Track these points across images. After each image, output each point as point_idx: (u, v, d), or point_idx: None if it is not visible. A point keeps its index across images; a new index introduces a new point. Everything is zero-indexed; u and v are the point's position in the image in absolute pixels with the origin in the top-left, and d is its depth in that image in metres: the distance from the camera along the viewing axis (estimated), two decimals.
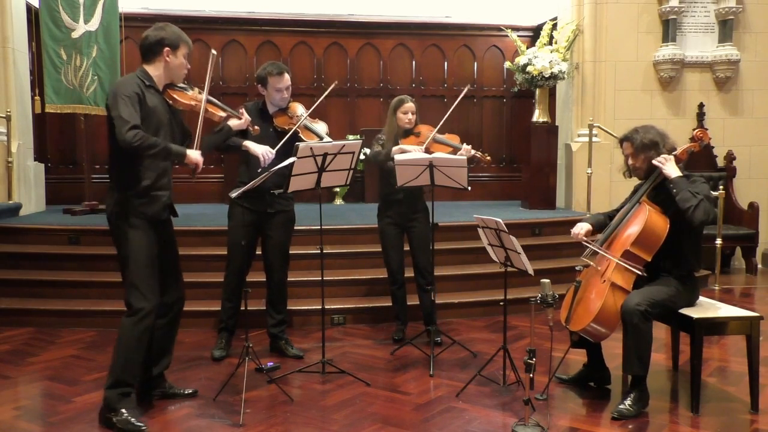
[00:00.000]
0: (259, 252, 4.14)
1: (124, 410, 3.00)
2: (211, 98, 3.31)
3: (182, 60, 3.17)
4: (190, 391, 3.47)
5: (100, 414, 3.08)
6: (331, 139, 3.86)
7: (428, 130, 4.25)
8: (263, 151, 3.79)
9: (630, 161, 3.47)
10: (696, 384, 3.27)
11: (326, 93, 4.14)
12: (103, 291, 4.90)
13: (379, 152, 4.23)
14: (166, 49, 3.10)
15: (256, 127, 3.58)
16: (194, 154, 3.11)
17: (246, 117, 3.50)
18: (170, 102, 3.16)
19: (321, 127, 4.06)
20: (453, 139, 4.25)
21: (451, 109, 4.29)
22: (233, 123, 3.48)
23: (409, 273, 4.46)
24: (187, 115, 3.33)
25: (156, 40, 3.10)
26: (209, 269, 4.87)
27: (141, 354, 3.09)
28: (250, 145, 3.82)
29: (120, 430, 2.97)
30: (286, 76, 3.97)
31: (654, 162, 3.35)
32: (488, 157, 4.19)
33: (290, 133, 3.88)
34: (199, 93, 3.26)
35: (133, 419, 2.99)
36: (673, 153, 3.39)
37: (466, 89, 4.60)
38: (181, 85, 3.24)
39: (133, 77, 3.08)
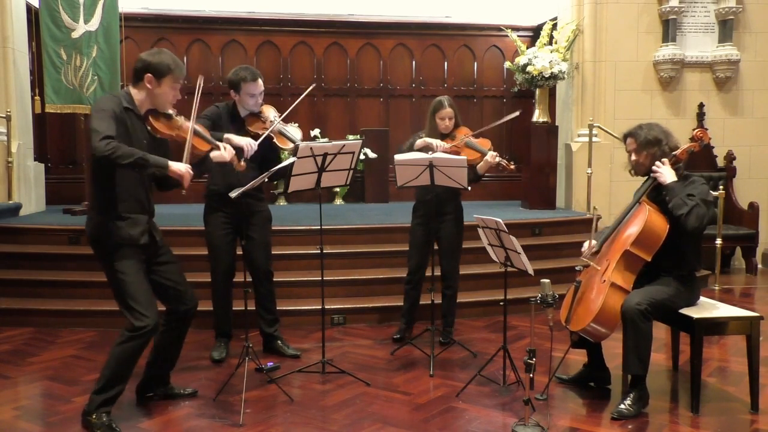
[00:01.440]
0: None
1: (104, 414, 3.00)
2: (197, 128, 3.22)
3: (167, 90, 3.07)
4: (190, 391, 3.48)
5: (82, 416, 3.07)
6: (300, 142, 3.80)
7: (463, 133, 4.22)
8: (246, 142, 3.72)
9: (633, 157, 3.47)
10: (696, 384, 3.27)
11: (300, 98, 4.06)
12: (103, 291, 4.86)
13: (402, 145, 4.22)
14: (148, 75, 3.03)
15: (242, 163, 3.50)
16: (178, 165, 2.98)
17: (230, 149, 3.36)
18: (149, 129, 3.09)
19: (295, 131, 4.01)
20: (484, 144, 4.20)
21: (500, 121, 4.36)
22: (214, 155, 3.33)
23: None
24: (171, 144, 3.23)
25: (142, 65, 3.04)
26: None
27: (133, 366, 3.08)
28: (232, 137, 3.73)
29: None
30: (260, 82, 3.91)
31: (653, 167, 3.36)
32: (512, 166, 4.15)
33: (263, 136, 3.81)
34: (185, 121, 3.17)
35: (111, 424, 2.99)
36: (673, 153, 3.39)
37: (515, 114, 4.37)
38: (168, 112, 3.15)
39: (116, 96, 3.06)
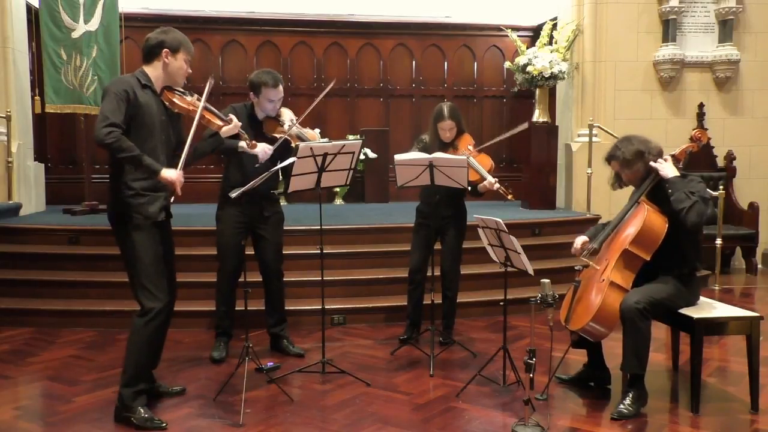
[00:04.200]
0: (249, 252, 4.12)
1: (141, 408, 3.05)
2: (208, 106, 3.28)
3: (182, 63, 3.18)
4: (178, 389, 3.48)
5: (116, 412, 3.10)
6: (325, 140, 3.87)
7: (466, 142, 4.20)
8: (261, 150, 3.78)
9: (623, 176, 3.49)
10: (696, 384, 3.27)
11: (321, 96, 4.06)
12: (103, 291, 4.90)
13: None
14: (165, 50, 3.12)
15: (253, 142, 3.58)
16: (169, 173, 2.98)
17: (236, 122, 3.39)
18: (167, 104, 3.16)
19: (312, 134, 4.04)
20: (485, 162, 4.15)
21: (507, 134, 4.42)
22: (224, 129, 3.36)
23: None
24: (185, 122, 3.28)
25: (157, 42, 3.13)
26: (209, 269, 4.85)
27: (152, 352, 3.14)
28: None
29: (140, 428, 3.01)
30: (281, 88, 3.93)
31: (652, 164, 3.36)
32: (510, 196, 4.06)
33: (280, 141, 3.85)
34: (198, 100, 3.23)
35: (152, 417, 3.04)
36: (672, 153, 3.41)
37: (522, 127, 4.58)
38: (181, 90, 3.23)
39: (131, 76, 3.12)
